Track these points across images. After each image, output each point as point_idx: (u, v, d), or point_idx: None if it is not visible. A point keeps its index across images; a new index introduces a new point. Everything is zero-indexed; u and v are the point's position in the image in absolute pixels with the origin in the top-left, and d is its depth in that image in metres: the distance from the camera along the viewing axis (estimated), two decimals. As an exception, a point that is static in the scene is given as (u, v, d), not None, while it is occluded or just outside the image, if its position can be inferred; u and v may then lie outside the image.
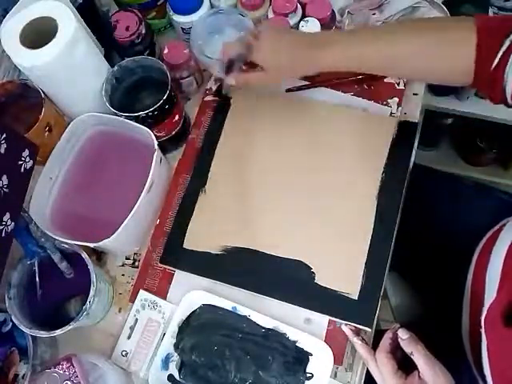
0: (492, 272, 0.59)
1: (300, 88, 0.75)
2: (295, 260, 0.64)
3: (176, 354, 0.62)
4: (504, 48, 0.49)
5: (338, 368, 0.60)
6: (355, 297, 0.62)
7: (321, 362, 0.59)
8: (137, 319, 0.65)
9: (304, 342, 0.60)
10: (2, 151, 0.53)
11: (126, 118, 0.64)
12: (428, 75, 0.59)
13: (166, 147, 0.72)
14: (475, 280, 0.63)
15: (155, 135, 0.64)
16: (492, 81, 0.51)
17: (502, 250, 0.59)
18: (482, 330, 0.54)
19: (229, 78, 0.63)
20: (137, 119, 0.64)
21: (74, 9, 0.66)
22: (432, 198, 0.77)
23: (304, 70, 0.61)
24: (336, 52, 0.56)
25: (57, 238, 0.60)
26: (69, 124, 0.67)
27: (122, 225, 0.59)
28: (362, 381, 0.60)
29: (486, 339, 0.53)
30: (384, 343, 0.56)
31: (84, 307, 0.58)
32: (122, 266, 0.69)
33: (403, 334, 0.55)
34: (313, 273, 0.63)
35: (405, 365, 0.54)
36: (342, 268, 0.63)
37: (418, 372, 0.53)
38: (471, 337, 0.61)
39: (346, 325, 0.61)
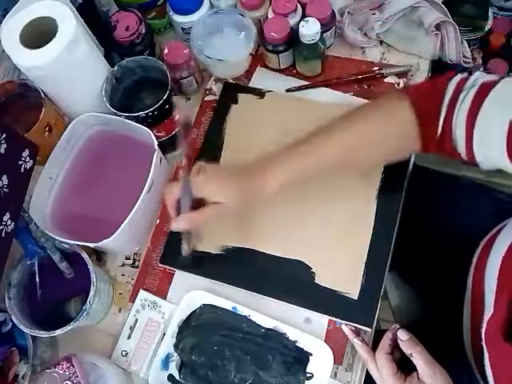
0: (489, 283, 0.59)
1: (300, 88, 0.75)
2: (295, 260, 0.64)
3: (176, 354, 0.62)
4: (443, 114, 0.51)
5: (337, 368, 0.60)
6: (355, 297, 0.62)
7: (321, 362, 0.59)
8: (137, 319, 0.65)
9: (304, 341, 0.60)
10: (2, 151, 0.53)
11: (126, 118, 0.64)
12: (380, 162, 0.61)
13: (165, 147, 0.72)
14: (474, 286, 0.63)
15: (155, 135, 0.64)
16: (442, 146, 0.53)
17: (496, 263, 0.59)
18: (483, 343, 0.54)
19: (178, 220, 0.55)
20: (137, 119, 0.64)
21: (74, 9, 0.66)
22: (432, 198, 0.77)
23: (253, 198, 0.56)
24: (280, 177, 0.55)
25: (57, 237, 0.60)
26: (69, 124, 0.67)
27: (122, 225, 0.59)
28: (362, 381, 0.60)
29: (488, 353, 0.53)
30: (384, 344, 0.56)
31: (84, 307, 0.58)
32: (122, 266, 0.69)
33: (403, 336, 0.55)
34: (313, 273, 0.63)
35: (404, 365, 0.54)
36: (342, 268, 0.63)
37: (417, 373, 0.53)
38: (473, 343, 0.60)
39: (346, 325, 0.61)
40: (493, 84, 0.48)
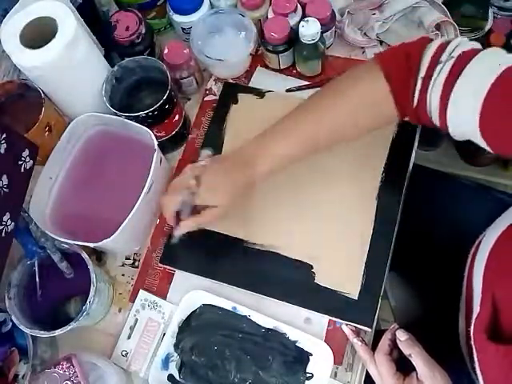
0: (476, 283, 0.59)
1: (300, 88, 0.75)
2: (295, 260, 0.64)
3: (176, 354, 0.62)
4: (419, 87, 0.50)
5: (338, 368, 0.60)
6: (355, 297, 0.62)
7: (321, 362, 0.59)
8: (137, 319, 0.65)
9: (304, 341, 0.60)
10: (2, 151, 0.53)
11: (126, 117, 0.64)
12: (359, 133, 0.59)
13: (165, 147, 0.72)
14: (467, 286, 0.63)
15: (155, 135, 0.64)
16: (418, 116, 0.53)
17: (481, 264, 0.59)
18: (472, 342, 0.54)
19: (180, 228, 0.58)
20: (137, 119, 0.64)
21: (74, 9, 0.66)
22: (432, 198, 0.77)
23: (249, 187, 0.59)
24: (265, 166, 0.57)
25: (57, 238, 0.60)
26: (69, 124, 0.67)
27: (122, 225, 0.59)
28: (362, 381, 0.60)
29: (476, 352, 0.54)
30: (383, 344, 0.56)
31: (84, 307, 0.58)
32: (122, 266, 0.69)
33: (401, 336, 0.55)
34: (313, 273, 0.63)
35: (403, 366, 0.54)
36: (342, 268, 0.63)
37: (416, 373, 0.53)
38: (467, 341, 0.61)
39: (346, 325, 0.61)
40: (469, 57, 0.47)
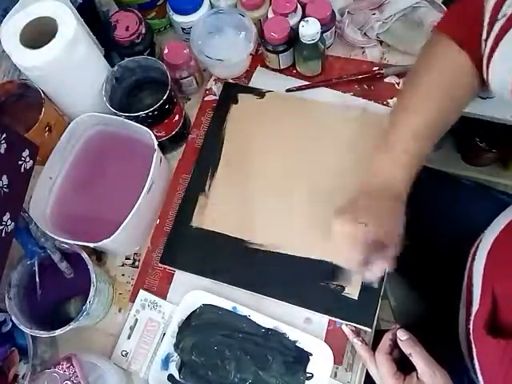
0: (476, 279, 0.59)
1: (300, 88, 0.75)
2: (295, 258, 0.64)
3: (176, 354, 0.62)
4: (484, 36, 0.50)
5: (337, 368, 0.60)
6: (355, 297, 0.61)
7: (321, 362, 0.59)
8: (137, 319, 0.65)
9: (304, 341, 0.60)
10: (2, 151, 0.53)
11: (126, 117, 0.64)
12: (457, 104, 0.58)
13: (165, 147, 0.72)
14: (467, 284, 0.63)
15: (155, 135, 0.64)
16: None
17: (481, 259, 0.59)
18: (471, 338, 0.54)
19: (375, 271, 0.56)
20: (137, 119, 0.64)
21: (74, 9, 0.66)
22: (432, 198, 0.77)
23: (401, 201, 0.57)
24: (408, 175, 0.55)
25: (57, 237, 0.60)
26: (69, 124, 0.67)
27: (122, 225, 0.59)
28: (362, 381, 0.60)
29: (475, 348, 0.53)
30: (383, 344, 0.56)
31: (84, 307, 0.58)
32: (122, 266, 0.69)
33: (402, 335, 0.55)
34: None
35: (403, 366, 0.54)
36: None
37: (417, 373, 0.53)
38: (467, 340, 0.61)
39: (346, 325, 0.61)
40: None
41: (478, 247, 0.63)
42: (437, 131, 0.56)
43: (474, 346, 0.54)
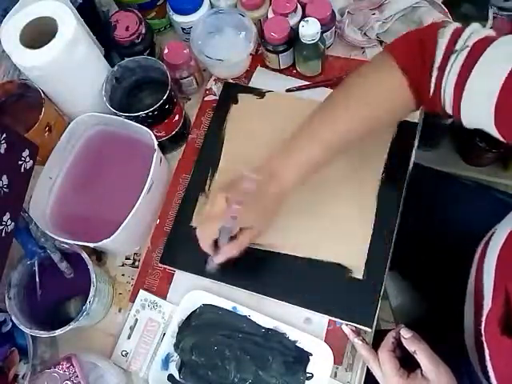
0: (487, 279, 0.58)
1: (300, 88, 0.75)
2: (295, 257, 0.64)
3: (176, 354, 0.62)
4: (434, 76, 0.50)
5: (337, 368, 0.60)
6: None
7: (321, 362, 0.59)
8: (137, 319, 0.65)
9: (304, 341, 0.60)
10: (2, 151, 0.53)
11: (126, 117, 0.64)
12: (381, 124, 0.59)
13: (165, 147, 0.72)
14: (476, 284, 0.63)
15: (155, 135, 0.64)
16: (434, 105, 0.53)
17: (493, 259, 0.58)
18: (483, 339, 0.54)
19: (222, 254, 0.57)
20: (137, 119, 0.64)
21: (74, 9, 0.66)
22: (432, 198, 0.77)
23: (280, 199, 0.58)
24: (292, 175, 0.56)
25: (57, 237, 0.60)
26: (69, 124, 0.67)
27: (122, 225, 0.59)
28: (362, 381, 0.60)
29: (488, 349, 0.53)
30: (387, 342, 0.56)
31: (84, 307, 0.58)
32: (122, 266, 0.69)
33: (406, 333, 0.54)
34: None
35: (406, 365, 0.54)
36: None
37: (421, 370, 0.52)
38: (475, 340, 0.60)
39: (346, 325, 0.61)
40: (484, 46, 0.47)
41: (488, 244, 0.62)
42: (348, 146, 0.58)
43: (486, 347, 0.53)
